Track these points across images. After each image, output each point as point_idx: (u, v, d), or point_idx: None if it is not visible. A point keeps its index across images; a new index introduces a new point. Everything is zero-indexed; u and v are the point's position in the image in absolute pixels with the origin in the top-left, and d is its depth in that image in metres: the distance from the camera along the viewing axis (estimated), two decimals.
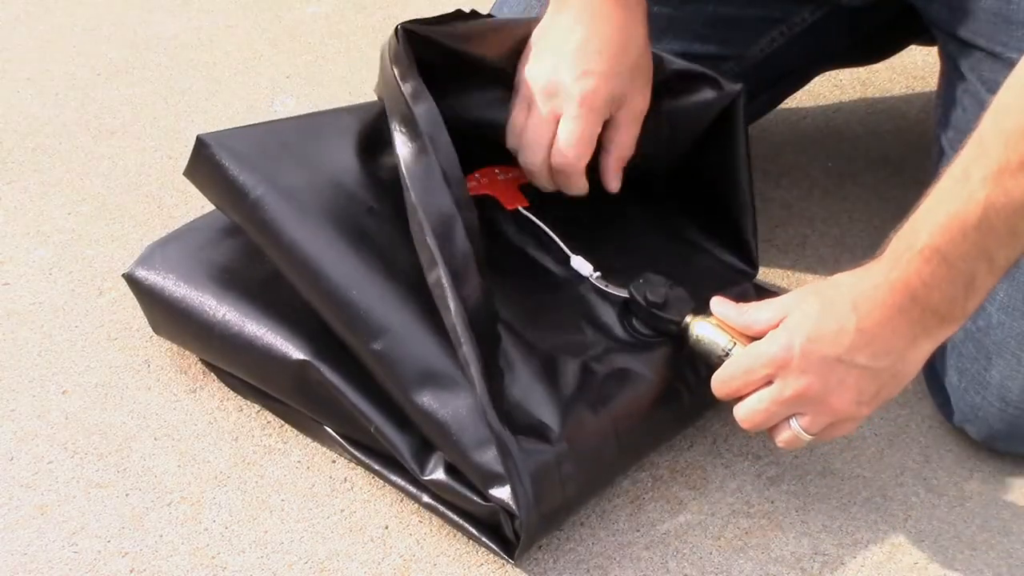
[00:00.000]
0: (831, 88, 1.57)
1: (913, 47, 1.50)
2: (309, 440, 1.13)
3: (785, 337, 0.99)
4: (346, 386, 1.06)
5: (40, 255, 1.31)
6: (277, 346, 1.09)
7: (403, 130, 1.06)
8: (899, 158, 1.47)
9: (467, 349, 1.01)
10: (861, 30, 1.34)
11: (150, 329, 1.20)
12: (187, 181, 1.16)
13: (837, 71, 1.56)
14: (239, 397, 1.16)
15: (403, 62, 1.07)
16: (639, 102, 1.13)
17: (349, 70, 1.59)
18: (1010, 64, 1.14)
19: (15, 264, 1.30)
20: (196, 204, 1.34)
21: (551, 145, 1.11)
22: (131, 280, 1.18)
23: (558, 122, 1.11)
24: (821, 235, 1.36)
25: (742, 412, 1.02)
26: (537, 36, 1.13)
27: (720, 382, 1.03)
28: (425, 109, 1.05)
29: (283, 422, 1.14)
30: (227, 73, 1.58)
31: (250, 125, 1.19)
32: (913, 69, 1.60)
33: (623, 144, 1.14)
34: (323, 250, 1.07)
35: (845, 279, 0.99)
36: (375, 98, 1.21)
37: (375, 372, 1.05)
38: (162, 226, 1.31)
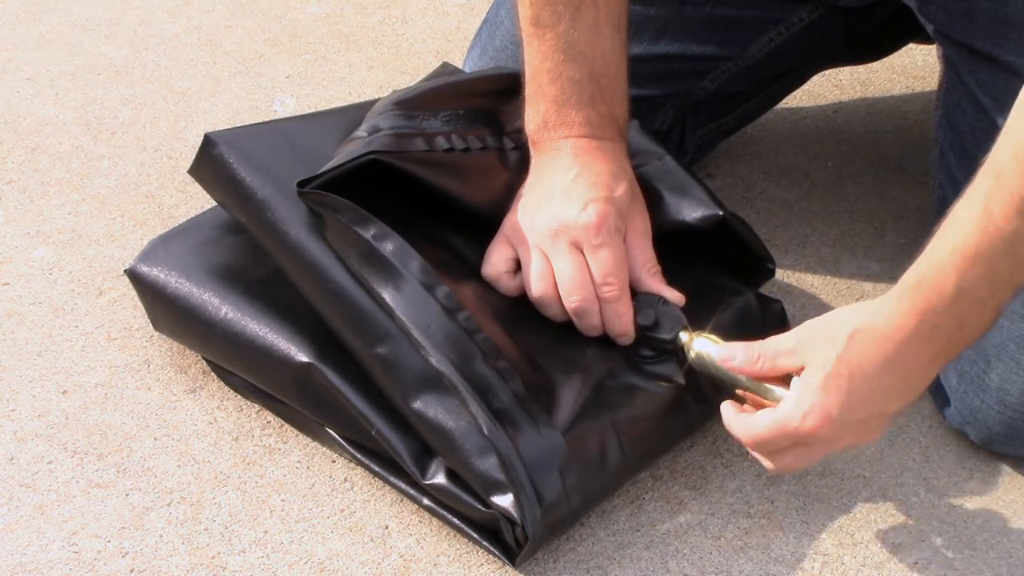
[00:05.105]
0: (831, 88, 1.56)
1: (913, 47, 1.50)
2: (309, 440, 1.13)
3: (820, 413, 0.95)
4: (349, 389, 1.06)
5: (40, 255, 1.31)
6: (280, 347, 1.09)
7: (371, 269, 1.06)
8: (899, 158, 1.47)
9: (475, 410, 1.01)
10: (859, 30, 1.34)
11: (150, 329, 1.20)
12: (187, 181, 1.16)
13: (837, 71, 1.56)
14: (239, 397, 1.16)
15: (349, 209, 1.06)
16: (640, 221, 1.12)
17: (349, 70, 1.59)
18: (1008, 66, 1.14)
19: (15, 264, 1.30)
20: (196, 203, 1.34)
21: (593, 280, 1.08)
22: (133, 275, 1.17)
23: (584, 257, 1.09)
24: (821, 235, 1.36)
25: (756, 451, 1.01)
26: (527, 188, 1.12)
27: (755, 443, 1.00)
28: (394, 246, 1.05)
29: (283, 422, 1.14)
30: (227, 73, 1.58)
31: (257, 124, 1.19)
32: (913, 69, 1.60)
33: (648, 260, 1.12)
34: (329, 252, 1.07)
35: (868, 333, 0.95)
36: (375, 97, 1.21)
37: (377, 376, 1.05)
38: (162, 226, 1.31)
